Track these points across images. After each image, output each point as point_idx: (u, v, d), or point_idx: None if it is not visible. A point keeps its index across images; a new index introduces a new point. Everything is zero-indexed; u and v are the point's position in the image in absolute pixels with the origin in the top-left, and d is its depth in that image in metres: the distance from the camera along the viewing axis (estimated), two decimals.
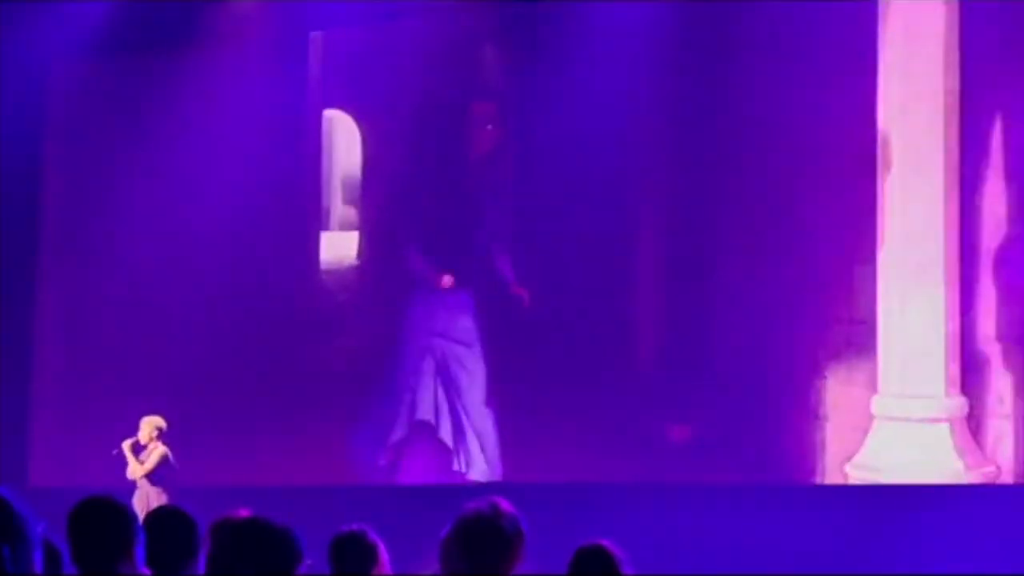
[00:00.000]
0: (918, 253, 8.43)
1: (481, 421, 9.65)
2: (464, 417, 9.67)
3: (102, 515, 3.71)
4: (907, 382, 8.01)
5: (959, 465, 7.80)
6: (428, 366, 9.82)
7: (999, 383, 8.13)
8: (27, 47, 11.46)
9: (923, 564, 7.78)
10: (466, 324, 9.69)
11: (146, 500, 9.52)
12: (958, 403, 7.89)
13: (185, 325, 11.25)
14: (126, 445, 10.33)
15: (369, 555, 4.96)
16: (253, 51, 11.08)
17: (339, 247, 11.02)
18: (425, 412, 9.81)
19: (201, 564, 3.76)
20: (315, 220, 11.11)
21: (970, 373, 8.21)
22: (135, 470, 10.22)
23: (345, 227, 11.13)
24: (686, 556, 8.40)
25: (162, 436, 10.32)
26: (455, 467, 9.75)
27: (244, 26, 11.06)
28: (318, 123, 11.05)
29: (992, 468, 7.78)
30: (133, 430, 10.28)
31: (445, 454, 9.84)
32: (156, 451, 10.30)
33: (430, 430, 9.91)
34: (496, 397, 9.70)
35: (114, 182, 11.56)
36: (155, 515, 4.07)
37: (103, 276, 11.64)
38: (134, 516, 3.76)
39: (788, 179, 9.37)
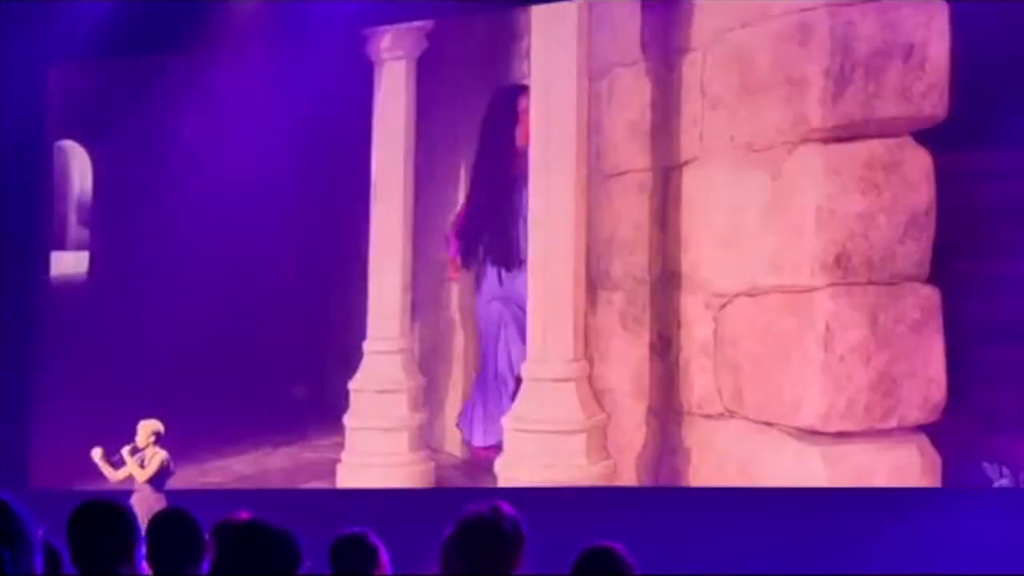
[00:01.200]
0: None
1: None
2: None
3: (102, 518, 3.73)
4: (547, 349, 9.31)
5: (580, 415, 9.12)
6: (499, 330, 9.81)
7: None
8: (27, 47, 11.50)
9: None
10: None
11: (146, 504, 9.35)
12: (580, 365, 9.15)
13: (184, 327, 11.14)
14: (126, 451, 10.42)
15: (370, 557, 4.96)
16: (259, 51, 10.99)
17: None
18: (503, 368, 9.73)
19: (205, 567, 3.76)
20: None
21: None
22: (136, 476, 10.31)
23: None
24: (685, 560, 8.19)
25: (159, 440, 10.39)
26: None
27: (248, 26, 10.82)
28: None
29: (603, 415, 9.14)
30: (130, 433, 10.35)
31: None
32: (156, 456, 10.36)
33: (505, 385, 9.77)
34: None
35: (115, 182, 11.59)
36: (160, 518, 4.13)
37: (104, 277, 11.64)
38: (134, 518, 3.78)
39: None
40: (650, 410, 8.84)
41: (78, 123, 11.69)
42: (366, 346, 10.19)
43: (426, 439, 9.93)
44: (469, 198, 9.77)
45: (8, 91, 11.60)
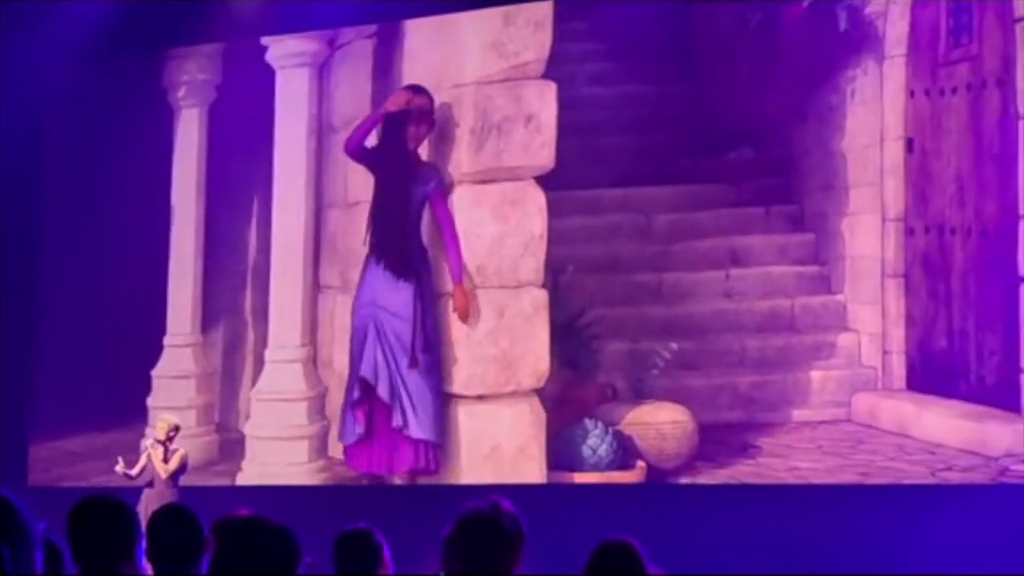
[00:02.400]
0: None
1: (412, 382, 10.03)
2: (399, 378, 10.04)
3: (103, 514, 3.68)
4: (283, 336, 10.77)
5: (304, 386, 10.66)
6: (371, 332, 10.13)
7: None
8: (26, 47, 11.49)
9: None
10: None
11: (162, 499, 9.01)
12: (307, 349, 10.68)
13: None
14: (148, 443, 10.29)
15: (373, 555, 4.93)
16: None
17: None
18: (366, 371, 10.11)
19: (205, 564, 3.71)
20: None
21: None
22: (159, 471, 10.13)
23: None
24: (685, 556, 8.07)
25: (176, 435, 10.28)
26: (394, 423, 10.06)
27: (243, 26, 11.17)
28: None
29: (323, 387, 10.73)
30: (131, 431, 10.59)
31: (386, 410, 10.18)
32: (177, 453, 10.23)
33: (371, 388, 10.19)
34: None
35: (113, 183, 11.77)
36: (160, 515, 4.00)
37: (103, 276, 11.78)
38: (135, 515, 3.74)
39: None
40: None
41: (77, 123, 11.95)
42: (268, 355, 10.93)
43: (324, 448, 10.63)
44: (372, 198, 10.38)
45: (7, 92, 11.54)
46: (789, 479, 8.77)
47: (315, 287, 10.77)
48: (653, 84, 9.78)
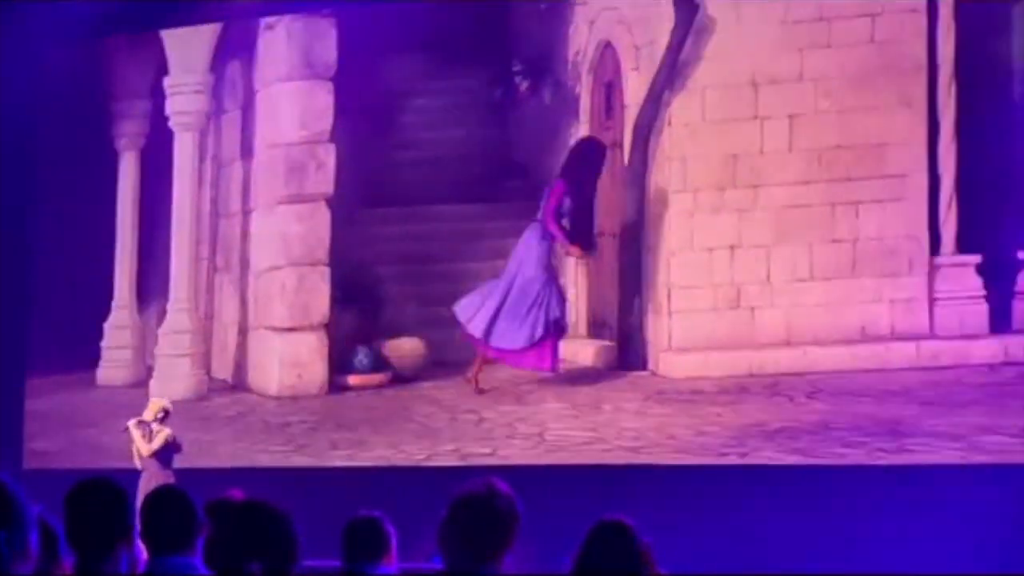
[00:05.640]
0: None
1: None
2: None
3: (99, 497, 3.65)
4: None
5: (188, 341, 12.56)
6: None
7: None
8: (20, 34, 11.60)
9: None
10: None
11: (155, 482, 8.73)
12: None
13: None
14: (132, 424, 10.44)
15: (382, 542, 4.95)
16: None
17: None
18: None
19: (200, 545, 3.74)
20: None
21: None
22: (141, 449, 10.22)
23: None
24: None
25: (167, 418, 10.45)
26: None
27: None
28: None
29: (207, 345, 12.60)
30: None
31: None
32: (161, 432, 10.29)
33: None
34: None
35: (106, 169, 12.32)
36: (154, 496, 3.95)
37: (96, 262, 12.29)
38: (131, 497, 3.70)
39: None
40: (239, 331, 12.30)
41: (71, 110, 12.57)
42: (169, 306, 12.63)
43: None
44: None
45: (3, 72, 11.58)
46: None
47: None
48: (465, 130, 12.01)
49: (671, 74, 10.75)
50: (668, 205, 10.74)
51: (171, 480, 9.30)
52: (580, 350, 11.16)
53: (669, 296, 10.60)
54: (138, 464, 10.39)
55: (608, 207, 11.20)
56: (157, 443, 10.31)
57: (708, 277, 10.45)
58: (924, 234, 9.82)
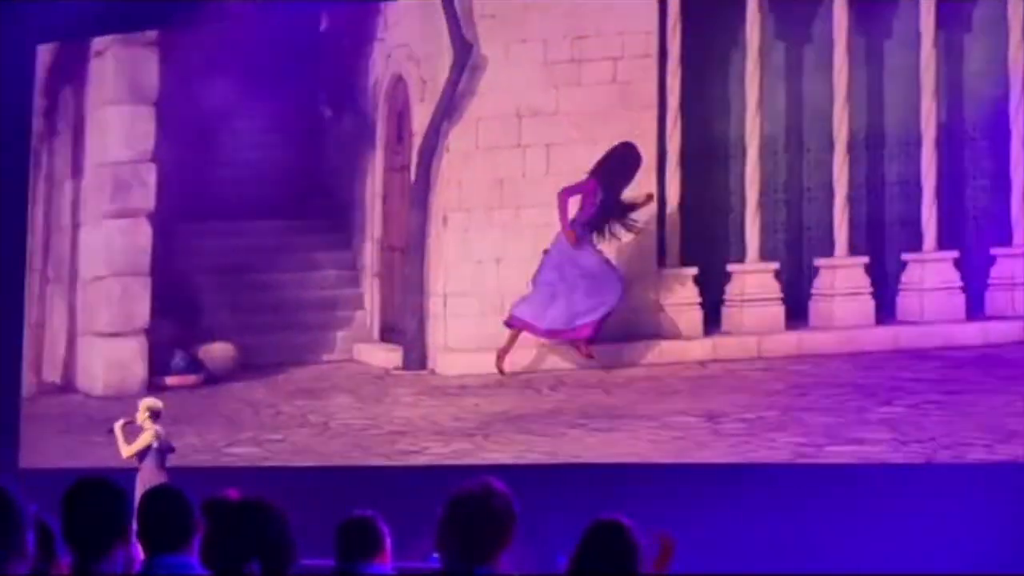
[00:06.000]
0: None
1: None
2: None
3: (96, 496, 3.63)
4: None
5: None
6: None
7: None
8: (13, 29, 11.82)
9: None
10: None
11: (149, 483, 9.03)
12: None
13: None
14: (118, 425, 10.53)
15: (376, 541, 4.98)
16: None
17: None
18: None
19: (196, 544, 3.73)
20: None
21: None
22: (121, 450, 10.25)
23: None
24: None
25: (157, 418, 10.52)
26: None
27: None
28: None
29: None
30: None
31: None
32: (146, 433, 10.33)
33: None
34: None
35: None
36: (151, 495, 3.93)
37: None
38: (129, 497, 3.69)
39: None
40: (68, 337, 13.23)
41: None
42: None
43: None
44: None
45: None
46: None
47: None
48: (277, 151, 12.99)
49: (449, 106, 12.12)
50: (447, 223, 12.12)
51: (165, 480, 9.16)
52: (372, 353, 12.50)
53: (445, 303, 11.96)
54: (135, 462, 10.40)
55: (397, 224, 12.59)
56: (137, 445, 10.29)
57: (478, 286, 11.80)
58: (653, 249, 11.29)
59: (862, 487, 9.68)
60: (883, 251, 10.78)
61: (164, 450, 10.45)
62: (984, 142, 10.39)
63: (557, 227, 11.62)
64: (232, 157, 12.99)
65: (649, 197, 11.24)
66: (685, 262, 11.30)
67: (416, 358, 12.12)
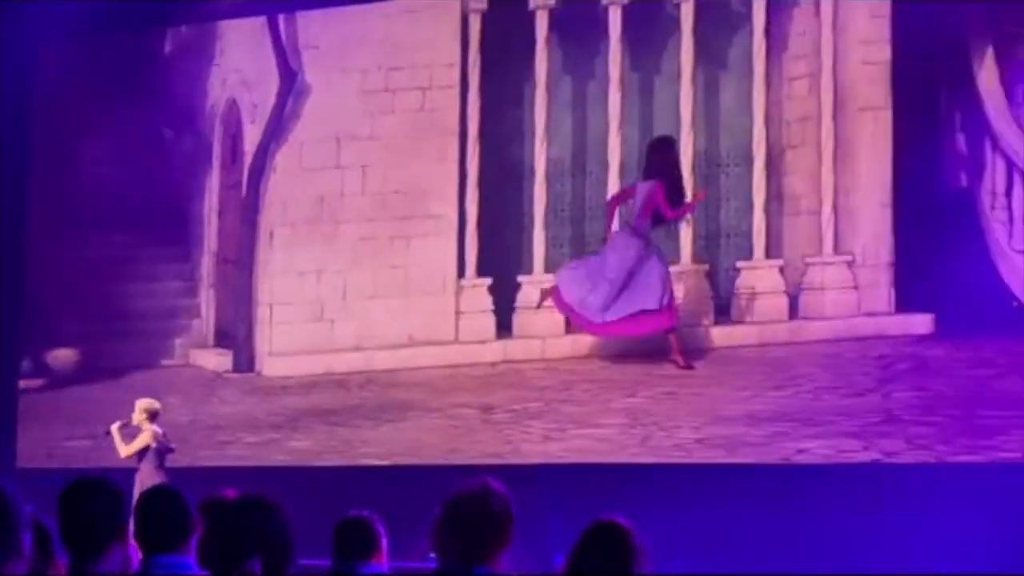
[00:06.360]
0: None
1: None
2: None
3: (93, 496, 3.62)
4: None
5: None
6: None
7: None
8: (13, 28, 12.01)
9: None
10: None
11: (147, 483, 9.03)
12: None
13: None
14: (115, 427, 10.56)
15: (372, 542, 4.99)
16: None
17: None
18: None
19: (194, 543, 3.71)
20: None
21: None
22: (119, 451, 10.29)
23: None
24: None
25: (155, 418, 10.54)
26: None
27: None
28: None
29: None
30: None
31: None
32: (143, 434, 10.35)
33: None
34: None
35: (101, 161, 13.16)
36: (148, 495, 3.92)
37: (91, 255, 13.22)
38: (126, 497, 3.68)
39: None
40: None
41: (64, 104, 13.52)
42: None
43: None
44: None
45: None
46: None
47: None
48: (127, 168, 13.78)
49: (276, 129, 13.21)
50: (273, 237, 13.22)
51: (163, 480, 9.12)
52: (206, 357, 13.54)
53: (271, 311, 13.07)
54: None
55: (232, 238, 13.64)
56: (135, 445, 10.32)
57: (300, 295, 12.91)
58: (453, 262, 12.50)
59: (862, 487, 10.06)
60: None
61: (162, 451, 10.48)
62: (737, 168, 11.74)
63: (372, 241, 12.73)
64: (87, 172, 13.84)
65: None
66: (481, 273, 12.42)
67: (244, 361, 13.19)
